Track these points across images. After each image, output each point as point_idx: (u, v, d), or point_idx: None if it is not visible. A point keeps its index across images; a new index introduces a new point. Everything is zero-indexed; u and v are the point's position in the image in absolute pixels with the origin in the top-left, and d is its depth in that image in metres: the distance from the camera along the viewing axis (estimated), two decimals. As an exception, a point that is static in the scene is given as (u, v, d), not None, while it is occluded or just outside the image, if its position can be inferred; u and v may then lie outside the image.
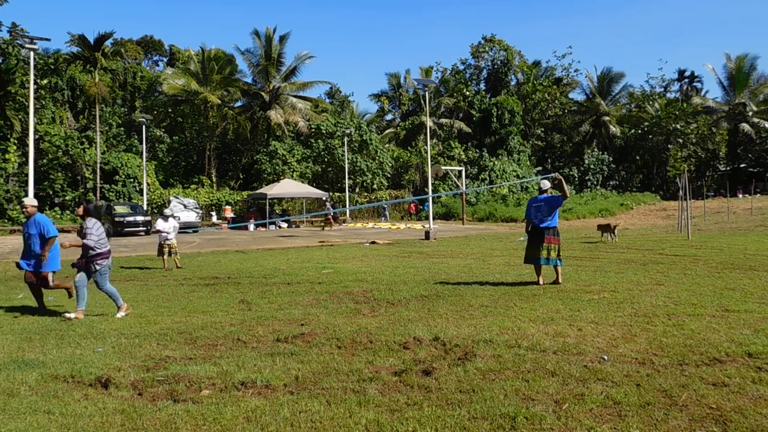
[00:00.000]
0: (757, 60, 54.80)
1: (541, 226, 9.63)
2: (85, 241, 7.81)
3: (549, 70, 61.08)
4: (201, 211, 35.78)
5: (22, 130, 35.76)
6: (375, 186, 46.50)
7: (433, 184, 39.50)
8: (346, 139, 42.47)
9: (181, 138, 48.44)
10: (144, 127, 36.71)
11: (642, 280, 9.91)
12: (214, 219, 37.99)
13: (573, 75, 60.43)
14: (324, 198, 37.04)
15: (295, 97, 47.87)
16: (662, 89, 62.22)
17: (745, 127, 53.36)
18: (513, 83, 60.32)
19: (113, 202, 33.67)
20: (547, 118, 59.22)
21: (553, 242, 9.65)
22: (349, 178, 43.22)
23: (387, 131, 58.04)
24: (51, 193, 37.10)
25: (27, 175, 19.67)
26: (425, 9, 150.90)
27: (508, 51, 58.68)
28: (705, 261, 12.52)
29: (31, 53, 18.29)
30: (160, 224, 14.53)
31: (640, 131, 55.88)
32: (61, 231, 33.44)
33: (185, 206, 33.34)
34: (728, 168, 57.56)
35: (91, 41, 41.18)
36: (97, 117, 41.25)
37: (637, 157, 57.51)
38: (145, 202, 35.73)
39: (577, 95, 61.80)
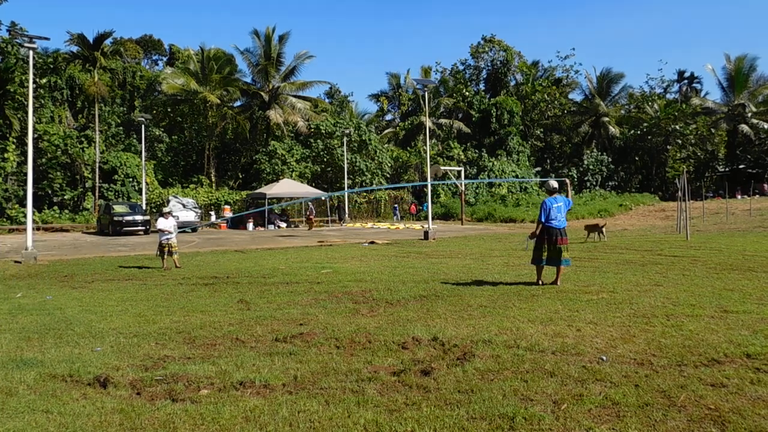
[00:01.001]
0: (757, 61, 54.79)
1: (561, 227, 9.67)
2: None
3: (549, 71, 61.09)
4: (200, 211, 35.75)
5: (21, 129, 35.72)
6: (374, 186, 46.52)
7: (432, 184, 39.45)
8: (345, 139, 42.46)
9: (181, 137, 48.40)
10: (143, 126, 36.66)
11: (641, 281, 9.92)
12: (213, 218, 37.98)
13: (572, 76, 60.47)
14: (309, 200, 37.17)
15: (295, 96, 47.85)
16: (662, 90, 62.23)
17: (744, 128, 53.37)
18: (512, 84, 60.33)
19: (112, 202, 33.63)
20: (546, 119, 59.23)
21: (566, 242, 9.72)
22: (349, 178, 43.21)
23: (386, 131, 58.04)
24: (50, 192, 37.06)
25: (26, 174, 19.63)
26: (425, 10, 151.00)
27: (508, 51, 58.69)
28: (704, 262, 12.53)
29: (30, 52, 18.24)
30: (160, 223, 14.51)
31: (639, 132, 55.90)
32: (60, 230, 33.51)
33: (184, 206, 33.28)
34: (727, 169, 57.57)
35: (91, 40, 41.14)
36: (96, 116, 41.22)
37: (636, 158, 57.54)
38: (144, 202, 35.69)
39: (576, 96, 61.87)
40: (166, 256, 14.24)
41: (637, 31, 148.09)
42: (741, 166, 56.53)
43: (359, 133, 45.95)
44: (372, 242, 21.76)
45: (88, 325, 7.33)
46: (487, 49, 59.28)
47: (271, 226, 35.31)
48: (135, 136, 45.66)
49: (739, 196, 48.33)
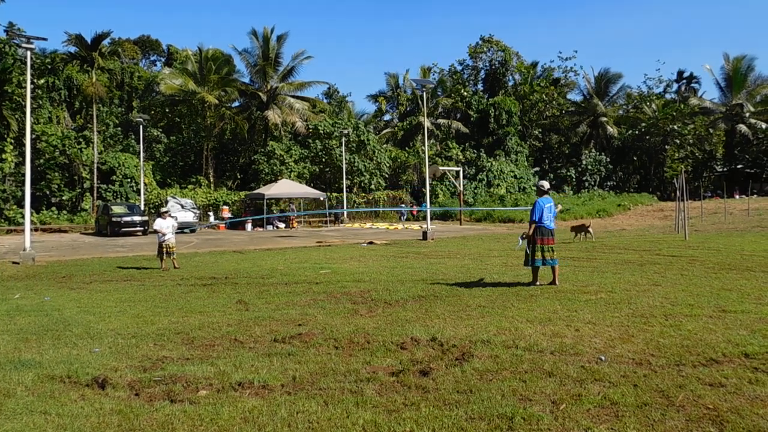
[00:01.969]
0: (755, 61, 54.98)
1: (551, 227, 9.71)
2: None
3: (547, 71, 61.11)
4: (198, 211, 35.70)
5: (19, 130, 35.67)
6: (373, 186, 46.48)
7: (430, 184, 39.50)
8: (343, 139, 42.44)
9: (179, 138, 48.33)
10: (141, 127, 36.61)
11: (639, 281, 9.93)
12: (212, 219, 37.94)
13: (571, 76, 60.48)
14: (289, 200, 37.11)
15: (293, 97, 47.81)
16: (662, 90, 62.26)
17: (742, 128, 53.45)
18: (510, 84, 60.34)
19: (110, 203, 33.59)
20: (544, 119, 59.24)
21: (553, 242, 9.75)
22: (347, 179, 43.18)
23: (385, 131, 57.98)
24: (48, 192, 37.00)
25: (24, 174, 19.60)
26: (424, 10, 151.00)
27: (506, 51, 58.68)
28: (702, 262, 12.55)
29: (28, 53, 18.21)
30: (158, 223, 14.50)
31: (637, 132, 55.95)
32: (58, 231, 33.47)
33: (182, 206, 33.24)
34: (725, 169, 57.64)
35: (89, 41, 41.10)
36: (95, 117, 41.17)
37: (635, 158, 57.58)
38: (143, 202, 35.65)
39: (574, 96, 61.87)
40: (164, 257, 14.23)
41: (637, 31, 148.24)
42: (739, 166, 56.61)
43: (358, 134, 45.93)
44: (370, 243, 21.76)
45: (86, 326, 7.32)
46: (485, 49, 59.28)
47: (270, 227, 35.31)
48: (133, 136, 45.62)
49: (737, 196, 48.39)
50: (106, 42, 43.90)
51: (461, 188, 40.07)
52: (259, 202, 36.31)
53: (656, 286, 9.35)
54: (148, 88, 51.84)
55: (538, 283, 9.73)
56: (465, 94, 56.39)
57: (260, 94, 46.47)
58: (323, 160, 45.31)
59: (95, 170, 38.29)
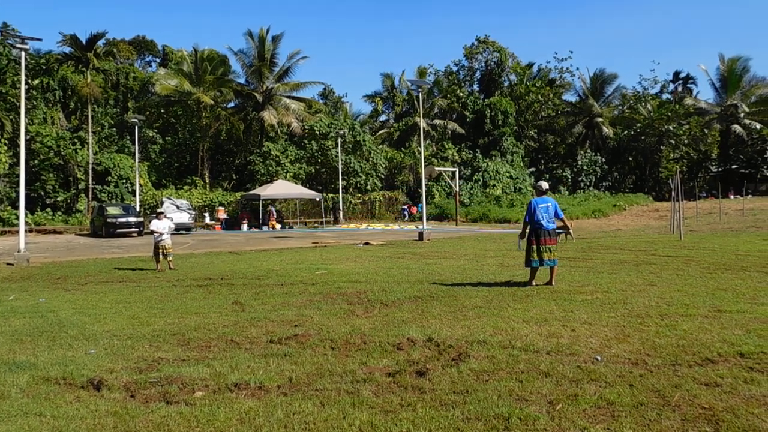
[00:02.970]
0: (750, 62, 55.24)
1: (550, 227, 9.68)
2: None
3: (542, 72, 61.23)
4: (194, 212, 35.60)
5: (13, 131, 35.50)
6: (369, 187, 46.46)
7: (426, 185, 39.54)
8: (339, 140, 42.43)
9: (174, 139, 48.22)
10: (136, 127, 36.50)
11: (635, 281, 9.95)
12: (207, 220, 37.84)
13: (566, 77, 60.61)
14: (269, 202, 37.03)
15: (289, 97, 47.76)
16: (658, 90, 62.49)
17: (737, 128, 53.67)
18: (506, 84, 60.41)
19: (105, 203, 33.48)
20: (540, 119, 59.34)
21: (554, 242, 9.73)
22: (343, 179, 43.17)
23: (380, 132, 57.97)
24: (42, 194, 36.85)
25: (18, 175, 19.52)
26: (420, 11, 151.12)
27: (502, 52, 58.76)
28: (697, 262, 12.59)
29: (23, 53, 18.11)
30: (154, 224, 14.46)
31: (632, 132, 56.11)
32: (53, 232, 33.34)
33: (178, 207, 33.14)
34: (720, 169, 57.86)
35: (83, 41, 40.91)
36: (89, 117, 41.02)
37: (630, 158, 57.75)
38: (138, 203, 35.55)
39: (570, 96, 62.00)
40: (160, 258, 14.19)
41: (632, 32, 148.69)
42: (734, 167, 56.83)
43: (353, 134, 45.91)
44: (366, 243, 21.76)
45: (81, 327, 7.30)
46: (480, 50, 59.34)
47: (266, 227, 35.26)
48: (128, 137, 45.45)
49: (732, 196, 48.59)
50: (101, 42, 43.70)
51: (457, 189, 40.11)
52: (255, 202, 36.26)
53: (652, 286, 9.38)
54: (144, 88, 51.70)
55: (534, 283, 9.73)
56: (461, 94, 56.44)
57: (256, 94, 46.41)
58: (319, 160, 45.28)
59: (90, 171, 38.16)
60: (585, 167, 54.74)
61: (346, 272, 12.56)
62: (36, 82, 39.95)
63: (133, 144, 38.01)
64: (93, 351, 6.04)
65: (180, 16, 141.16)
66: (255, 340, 6.35)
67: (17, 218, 23.95)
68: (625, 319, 6.92)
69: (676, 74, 71.78)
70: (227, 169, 48.93)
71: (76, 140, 38.84)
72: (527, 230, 9.84)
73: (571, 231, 10.53)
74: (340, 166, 41.91)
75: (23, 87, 18.00)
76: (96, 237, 29.67)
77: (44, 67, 41.95)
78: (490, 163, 50.69)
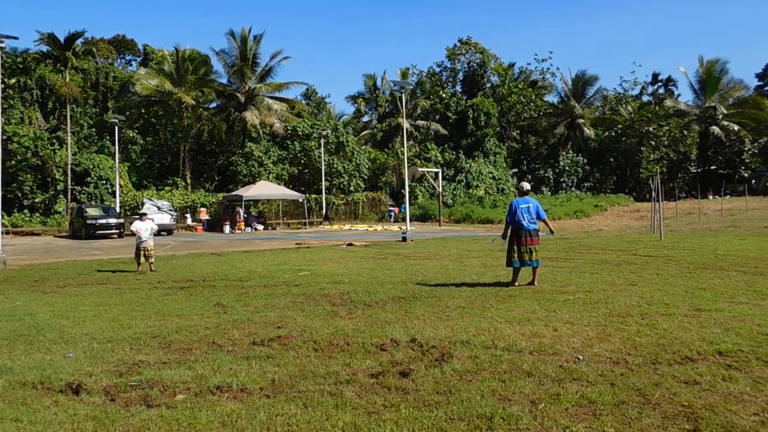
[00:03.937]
0: (728, 64, 56.12)
1: (531, 228, 9.72)
2: None
3: (524, 73, 61.66)
4: (175, 214, 35.28)
5: (-10, 131, 34.89)
6: (352, 188, 46.41)
7: (409, 185, 39.59)
8: (322, 140, 42.33)
9: (155, 139, 47.74)
10: (116, 128, 36.10)
11: (616, 281, 10.05)
12: (189, 221, 37.50)
13: (548, 78, 61.11)
14: (237, 203, 36.88)
15: (271, 98, 47.54)
16: (638, 92, 63.30)
17: (716, 130, 54.55)
18: (489, 86, 60.74)
19: (85, 205, 33.03)
20: (522, 120, 59.76)
21: (537, 243, 9.76)
22: (326, 180, 43.08)
23: (363, 133, 57.95)
24: (20, 195, 36.25)
25: (-5, 176, 19.18)
26: (402, 12, 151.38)
27: (484, 54, 59.09)
28: (677, 261, 12.75)
29: (-1, 52, 17.85)
30: (136, 225, 14.29)
31: (613, 133, 56.75)
32: (31, 234, 32.81)
33: (159, 208, 32.82)
34: (699, 170, 58.75)
35: (62, 40, 40.32)
36: (68, 117, 40.46)
37: (611, 159, 58.39)
38: (118, 205, 35.14)
39: (552, 98, 62.54)
40: (142, 260, 14.03)
41: (612, 34, 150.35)
42: (712, 167, 57.74)
43: (336, 135, 45.83)
44: (350, 244, 21.72)
45: (60, 330, 7.18)
46: (463, 51, 59.63)
47: (248, 229, 35.05)
48: (108, 137, 44.87)
49: (711, 197, 49.35)
50: (79, 41, 43.13)
51: (440, 189, 40.22)
52: (238, 203, 36.05)
53: (633, 285, 9.48)
54: (124, 88, 51.07)
55: (516, 283, 9.78)
56: (443, 95, 56.64)
57: (238, 95, 46.12)
58: (302, 161, 45.12)
59: (69, 172, 37.62)
60: (567, 168, 55.23)
61: (330, 273, 12.53)
62: (13, 81, 39.32)
63: (113, 144, 37.58)
64: (72, 354, 5.95)
65: (161, 15, 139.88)
66: (237, 342, 6.30)
67: (-6, 220, 23.52)
68: (606, 318, 6.98)
69: (655, 76, 72.81)
70: (209, 170, 48.55)
71: (54, 140, 38.28)
72: (509, 231, 9.89)
73: (552, 230, 10.57)
74: (323, 167, 41.81)
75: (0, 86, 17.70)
76: (75, 239, 29.27)
77: (21, 66, 41.29)
78: (473, 164, 50.92)
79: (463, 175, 50.07)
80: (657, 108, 56.65)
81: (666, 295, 8.49)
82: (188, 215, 38.47)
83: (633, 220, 34.94)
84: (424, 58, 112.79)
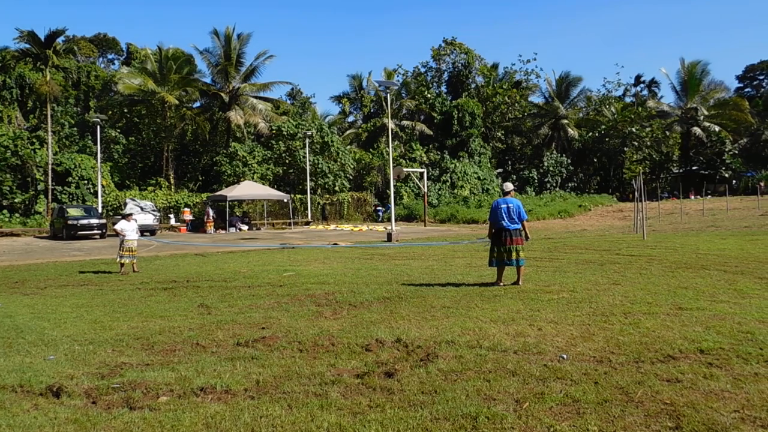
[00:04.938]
0: (709, 66, 56.89)
1: (512, 227, 9.75)
2: None
3: (509, 74, 61.99)
4: (159, 214, 34.95)
5: (-32, 130, 34.33)
6: (337, 188, 46.31)
7: (395, 185, 39.61)
8: (307, 140, 42.20)
9: (138, 139, 47.23)
10: (98, 127, 35.68)
11: (600, 280, 10.13)
12: (172, 222, 37.16)
13: (532, 79, 61.49)
14: (209, 204, 36.63)
15: (255, 98, 47.26)
16: (621, 93, 63.91)
17: (697, 130, 55.26)
18: (473, 86, 60.97)
19: (66, 205, 32.59)
20: (507, 121, 60.06)
21: (520, 243, 9.81)
22: (311, 180, 42.95)
23: (348, 132, 57.86)
24: (-1, 195, 35.70)
25: (-26, 176, 18.86)
26: (387, 11, 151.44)
27: (469, 54, 59.30)
28: (660, 261, 12.89)
29: (-22, 50, 17.58)
30: (121, 225, 14.13)
31: (597, 134, 57.23)
32: (10, 235, 32.31)
33: (142, 209, 32.46)
34: (681, 170, 59.47)
35: (42, 38, 39.74)
36: (49, 117, 39.90)
37: (595, 160, 58.87)
38: (100, 205, 34.73)
39: (536, 98, 62.95)
40: (126, 260, 13.88)
41: (595, 34, 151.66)
42: (694, 168, 58.49)
43: (321, 135, 45.70)
44: (335, 244, 21.68)
45: (40, 332, 7.08)
46: (448, 51, 59.79)
47: (233, 229, 34.83)
48: (90, 137, 44.34)
49: (693, 197, 49.97)
50: (60, 40, 42.46)
51: (425, 190, 40.28)
52: (222, 204, 35.80)
53: (616, 285, 9.56)
54: (106, 87, 50.56)
55: (501, 283, 9.82)
56: (429, 96, 56.73)
57: (222, 94, 45.81)
58: (287, 161, 44.93)
59: (50, 172, 37.10)
60: (551, 168, 55.60)
61: (315, 274, 12.49)
62: (-9, 79, 38.69)
63: (95, 144, 37.13)
64: (52, 357, 5.86)
65: (144, 14, 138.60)
66: (221, 343, 6.25)
67: (-27, 220, 23.13)
68: (590, 317, 7.04)
69: (638, 78, 73.55)
70: (193, 170, 48.15)
71: (34, 140, 37.72)
72: (492, 230, 9.96)
73: (528, 235, 10.45)
74: (308, 167, 41.68)
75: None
76: (56, 240, 28.88)
77: (0, 65, 40.62)
78: (458, 164, 51.06)
79: (448, 175, 50.19)
80: (640, 109, 57.24)
81: (649, 294, 8.57)
82: (171, 215, 38.12)
83: (616, 220, 35.27)
84: (410, 59, 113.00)
